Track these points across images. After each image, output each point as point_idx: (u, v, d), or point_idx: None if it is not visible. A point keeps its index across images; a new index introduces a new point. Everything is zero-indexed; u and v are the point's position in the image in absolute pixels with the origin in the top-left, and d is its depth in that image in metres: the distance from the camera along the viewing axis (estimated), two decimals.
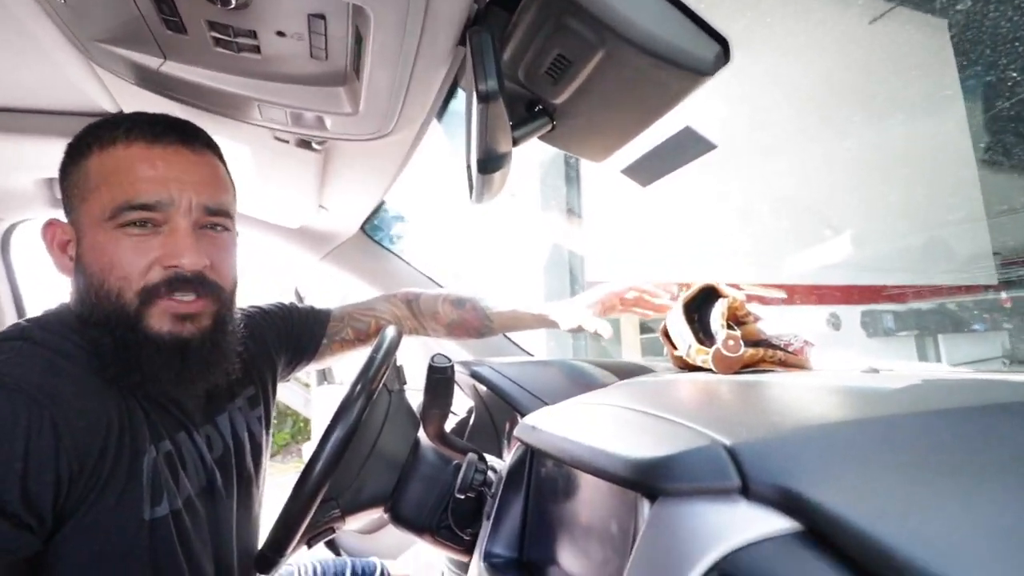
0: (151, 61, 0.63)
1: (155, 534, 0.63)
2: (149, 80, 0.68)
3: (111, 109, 0.90)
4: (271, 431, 0.91)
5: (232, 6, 0.50)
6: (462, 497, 0.80)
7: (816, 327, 0.74)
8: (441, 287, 1.56)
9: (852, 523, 0.32)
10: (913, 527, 0.31)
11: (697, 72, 0.51)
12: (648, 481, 0.43)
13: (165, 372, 0.63)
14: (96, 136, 0.64)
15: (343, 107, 0.66)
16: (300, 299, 1.59)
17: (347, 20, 0.54)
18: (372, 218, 1.46)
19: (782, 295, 0.89)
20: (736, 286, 0.89)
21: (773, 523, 0.36)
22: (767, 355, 0.83)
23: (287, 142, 0.83)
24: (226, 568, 0.77)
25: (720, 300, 0.87)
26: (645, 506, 0.44)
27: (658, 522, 0.42)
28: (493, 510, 0.71)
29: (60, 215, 1.33)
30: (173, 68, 0.63)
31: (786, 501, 0.37)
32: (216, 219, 0.66)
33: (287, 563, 1.11)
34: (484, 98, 0.47)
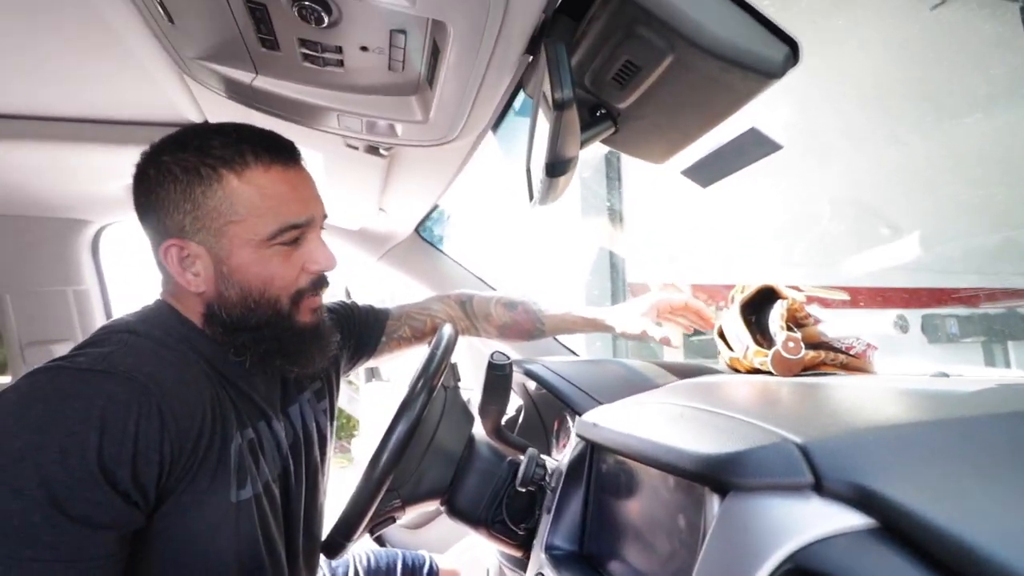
0: (244, 76, 0.68)
1: (240, 515, 0.68)
2: (239, 93, 0.73)
3: (196, 119, 0.98)
4: (335, 424, 0.96)
5: (325, 24, 0.55)
6: (522, 491, 0.82)
7: (881, 330, 0.73)
8: (492, 288, 1.60)
9: (929, 520, 0.33)
10: (993, 524, 0.32)
11: (766, 74, 0.52)
12: (720, 476, 0.44)
13: (305, 355, 0.76)
14: (219, 159, 0.67)
15: (414, 115, 0.70)
16: (349, 298, 1.67)
17: (426, 33, 0.57)
18: (425, 220, 1.51)
19: (844, 296, 0.87)
20: (795, 287, 0.88)
21: (847, 519, 0.37)
22: (828, 358, 0.82)
23: (357, 148, 0.88)
24: (293, 552, 0.82)
25: (779, 301, 0.86)
26: (715, 501, 0.45)
27: (730, 516, 0.43)
28: (553, 504, 0.73)
29: None
30: (263, 82, 0.69)
31: (860, 498, 0.37)
32: (324, 223, 0.76)
33: (375, 552, 1.17)
34: (559, 106, 0.49)
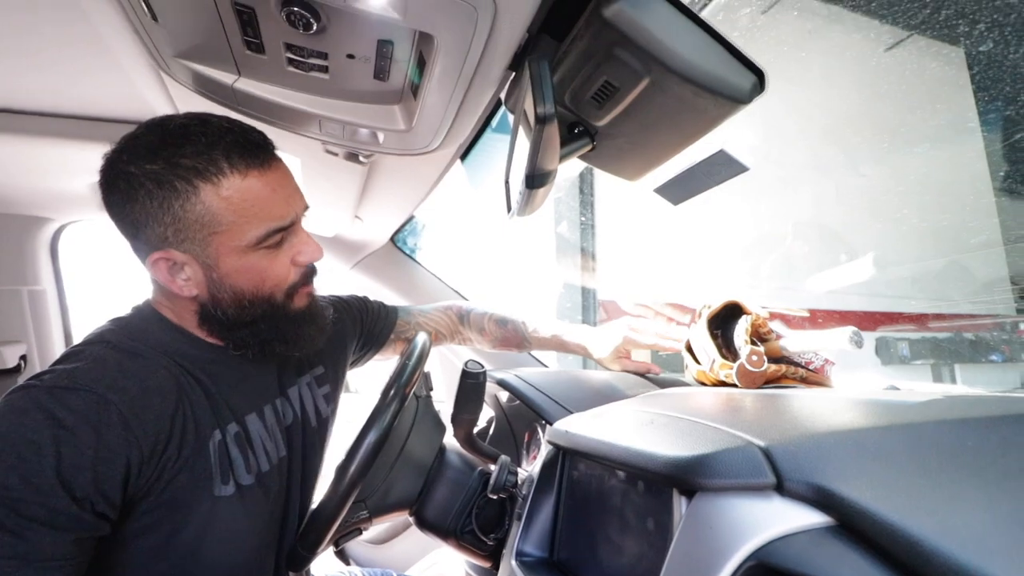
0: (226, 77, 0.68)
1: (228, 509, 0.70)
2: (219, 94, 0.73)
3: None
4: (336, 412, 0.98)
5: (313, 31, 0.55)
6: (493, 498, 0.82)
7: (838, 344, 0.77)
8: (466, 299, 1.61)
9: (882, 517, 0.35)
10: (940, 521, 0.34)
11: (735, 100, 0.55)
12: (687, 478, 0.46)
13: (303, 337, 0.78)
14: (192, 169, 0.65)
15: (397, 124, 0.71)
16: None
17: (413, 44, 0.59)
18: (401, 230, 1.51)
19: (804, 313, 0.91)
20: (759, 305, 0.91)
21: (807, 517, 0.39)
22: (789, 371, 0.86)
23: (336, 155, 0.88)
24: (292, 534, 0.83)
25: (744, 317, 0.90)
26: (682, 503, 0.47)
27: (696, 516, 0.45)
28: (525, 511, 0.73)
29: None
30: (245, 84, 0.68)
31: (819, 497, 0.40)
32: (305, 213, 0.77)
33: (340, 572, 1.15)
34: (541, 120, 0.51)
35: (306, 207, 0.76)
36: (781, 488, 0.42)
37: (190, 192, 0.65)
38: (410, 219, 1.43)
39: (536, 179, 0.61)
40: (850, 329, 0.75)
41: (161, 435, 0.64)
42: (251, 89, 0.69)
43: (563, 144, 0.68)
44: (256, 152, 0.68)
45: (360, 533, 0.88)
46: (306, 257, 0.75)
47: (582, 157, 0.73)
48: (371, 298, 1.14)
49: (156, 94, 0.86)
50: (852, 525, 0.37)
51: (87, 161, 1.10)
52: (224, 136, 0.66)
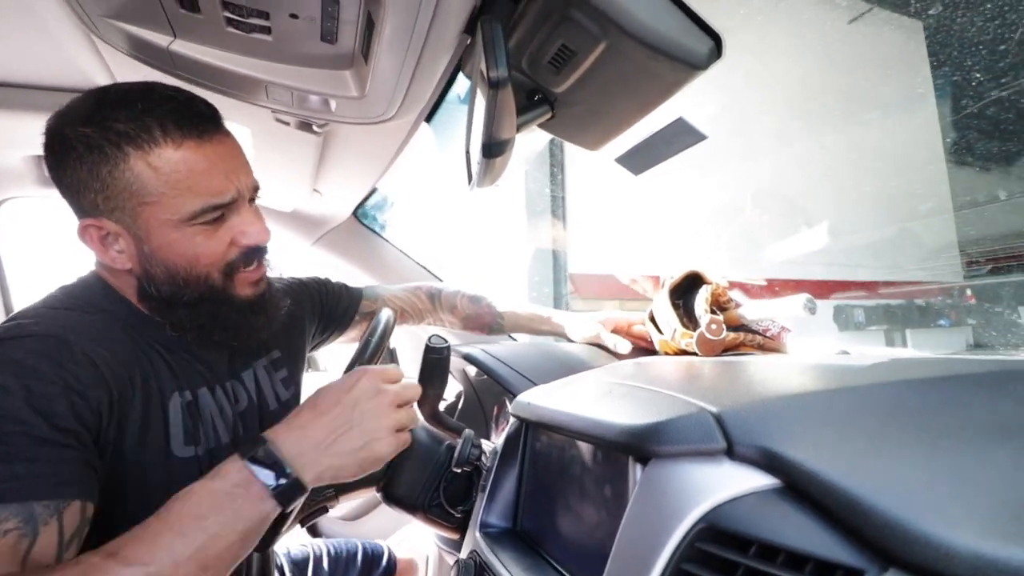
0: (160, 39, 0.63)
1: (184, 471, 0.67)
2: (155, 58, 0.68)
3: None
4: (299, 395, 0.95)
5: None
6: (458, 471, 0.83)
7: (793, 312, 0.79)
8: (435, 275, 1.59)
9: (825, 477, 0.36)
10: (878, 479, 0.35)
11: (691, 65, 0.54)
12: (641, 445, 0.47)
13: (246, 327, 0.74)
14: (123, 135, 0.61)
15: (349, 90, 0.68)
16: None
17: (360, 4, 0.56)
18: (364, 204, 1.47)
19: (763, 283, 0.93)
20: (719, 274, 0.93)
21: (755, 480, 0.40)
22: (747, 339, 0.88)
23: (287, 124, 0.84)
24: None
25: (704, 286, 0.91)
26: (637, 469, 0.48)
27: (650, 482, 0.45)
28: (488, 483, 0.74)
29: (50, 193, 1.31)
30: (182, 47, 0.64)
31: (767, 460, 0.41)
32: (256, 193, 0.72)
33: (302, 545, 1.14)
34: (494, 84, 0.49)
35: (255, 186, 0.71)
36: (731, 452, 0.43)
37: (119, 158, 0.62)
38: (372, 192, 1.39)
39: (493, 148, 0.59)
40: (804, 296, 0.77)
41: (124, 379, 0.62)
42: (189, 52, 0.65)
43: (522, 112, 0.66)
44: (196, 123, 0.64)
45: (326, 511, 0.87)
46: (249, 239, 0.70)
47: (542, 126, 0.72)
48: (333, 279, 1.10)
49: (88, 59, 0.80)
50: (797, 486, 0.38)
51: (18, 133, 1.02)
52: (163, 104, 0.63)
